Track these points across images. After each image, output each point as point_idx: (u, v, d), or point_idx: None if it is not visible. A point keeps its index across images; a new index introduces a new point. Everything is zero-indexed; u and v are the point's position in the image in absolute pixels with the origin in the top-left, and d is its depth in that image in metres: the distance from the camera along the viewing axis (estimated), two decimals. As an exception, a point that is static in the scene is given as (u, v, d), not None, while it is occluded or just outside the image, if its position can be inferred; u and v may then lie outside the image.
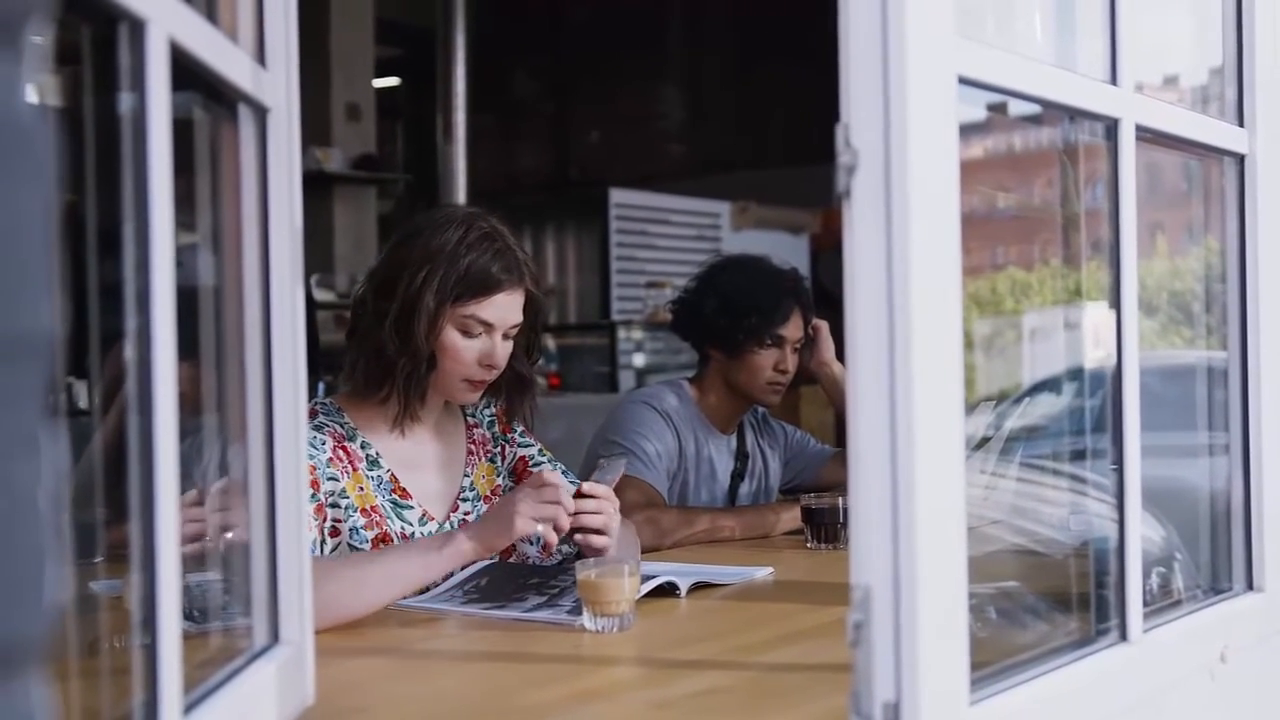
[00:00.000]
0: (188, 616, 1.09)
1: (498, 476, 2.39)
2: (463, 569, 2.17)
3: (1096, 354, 1.83)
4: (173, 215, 1.01)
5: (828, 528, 2.63)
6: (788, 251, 5.47)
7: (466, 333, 2.20)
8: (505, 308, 2.21)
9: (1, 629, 0.57)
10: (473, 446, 2.38)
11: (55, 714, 0.66)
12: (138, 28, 0.98)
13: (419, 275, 2.16)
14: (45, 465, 0.60)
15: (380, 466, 2.23)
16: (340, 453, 2.18)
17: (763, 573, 2.34)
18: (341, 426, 2.22)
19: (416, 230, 2.22)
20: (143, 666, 0.97)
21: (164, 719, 0.97)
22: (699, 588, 2.18)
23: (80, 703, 1.03)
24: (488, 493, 2.36)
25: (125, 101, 0.99)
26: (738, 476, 3.11)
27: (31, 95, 0.61)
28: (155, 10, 0.99)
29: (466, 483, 2.34)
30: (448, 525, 2.27)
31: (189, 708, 1.06)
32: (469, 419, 2.41)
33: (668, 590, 2.11)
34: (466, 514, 2.31)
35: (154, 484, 0.98)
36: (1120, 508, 1.50)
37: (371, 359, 2.21)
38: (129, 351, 0.98)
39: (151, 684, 0.97)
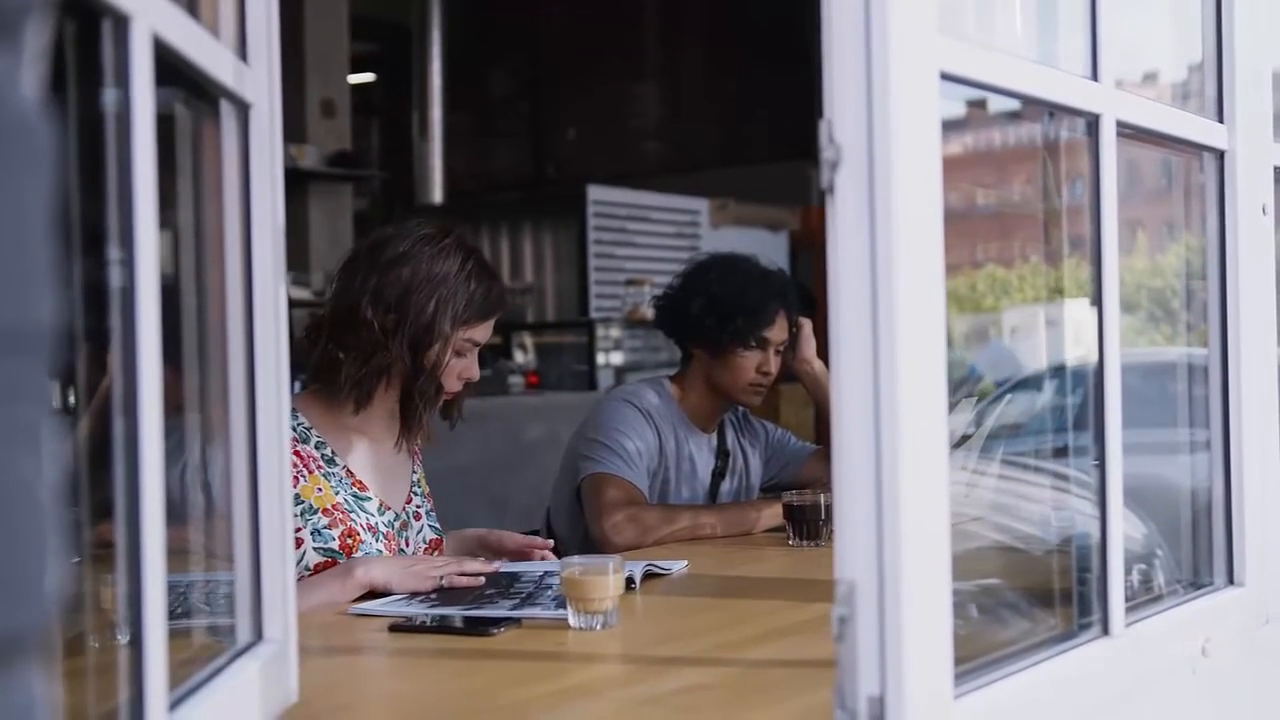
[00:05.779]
0: (170, 614, 1.09)
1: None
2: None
3: (1077, 351, 1.84)
4: (157, 212, 1.00)
5: (809, 524, 2.64)
6: (766, 249, 5.48)
7: (460, 354, 2.30)
8: (491, 328, 2.36)
9: (3, 621, 0.57)
10: (416, 448, 2.48)
11: (54, 707, 0.66)
12: (121, 23, 0.97)
13: (429, 302, 2.23)
14: (47, 458, 0.60)
15: (336, 464, 2.29)
16: (293, 457, 2.19)
17: (678, 566, 2.36)
18: (294, 429, 2.25)
19: (409, 254, 2.26)
20: (128, 664, 0.97)
21: (150, 717, 0.97)
22: (648, 578, 2.21)
23: (61, 701, 1.02)
24: (428, 490, 2.49)
25: (108, 97, 0.98)
26: (719, 474, 3.11)
27: (31, 89, 0.61)
28: (139, 5, 0.98)
29: (415, 479, 2.45)
30: (403, 515, 2.37)
31: (173, 705, 1.05)
32: None
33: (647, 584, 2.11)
34: (419, 507, 2.43)
35: (139, 481, 0.97)
36: (1102, 501, 1.50)
37: (373, 376, 2.26)
38: (113, 350, 0.97)
39: (137, 681, 0.97)
